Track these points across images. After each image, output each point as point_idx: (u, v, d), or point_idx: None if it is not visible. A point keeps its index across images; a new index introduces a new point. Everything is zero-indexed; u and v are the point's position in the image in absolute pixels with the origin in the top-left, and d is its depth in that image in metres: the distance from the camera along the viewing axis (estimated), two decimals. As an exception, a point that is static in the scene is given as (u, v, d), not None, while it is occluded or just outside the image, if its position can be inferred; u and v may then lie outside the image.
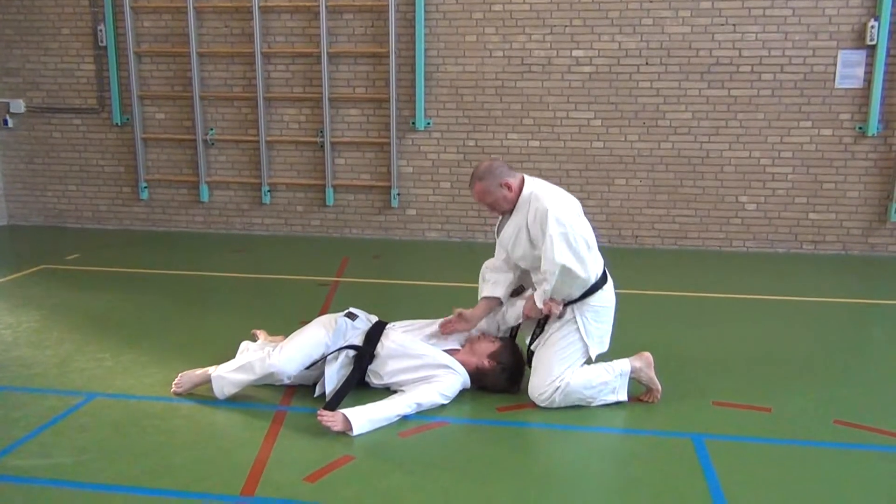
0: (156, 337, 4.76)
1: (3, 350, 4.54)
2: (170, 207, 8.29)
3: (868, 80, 6.97)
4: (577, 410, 3.73)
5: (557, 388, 3.69)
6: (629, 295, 5.98)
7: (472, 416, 3.68)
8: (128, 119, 8.12)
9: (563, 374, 3.71)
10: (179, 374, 3.93)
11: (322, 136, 7.78)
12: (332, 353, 3.78)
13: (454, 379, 3.73)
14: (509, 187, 3.74)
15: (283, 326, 4.61)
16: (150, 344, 4.62)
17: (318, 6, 7.50)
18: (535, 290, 3.78)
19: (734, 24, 7.07)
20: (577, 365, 3.78)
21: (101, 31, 7.97)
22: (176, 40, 7.89)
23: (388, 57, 7.50)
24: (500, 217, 3.95)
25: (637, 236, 7.59)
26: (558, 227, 3.55)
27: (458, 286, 6.10)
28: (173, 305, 5.52)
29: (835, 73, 7.03)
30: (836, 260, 7.14)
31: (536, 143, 7.57)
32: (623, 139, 7.43)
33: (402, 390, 3.71)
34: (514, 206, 3.77)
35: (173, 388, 3.88)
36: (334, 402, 3.58)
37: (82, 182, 8.41)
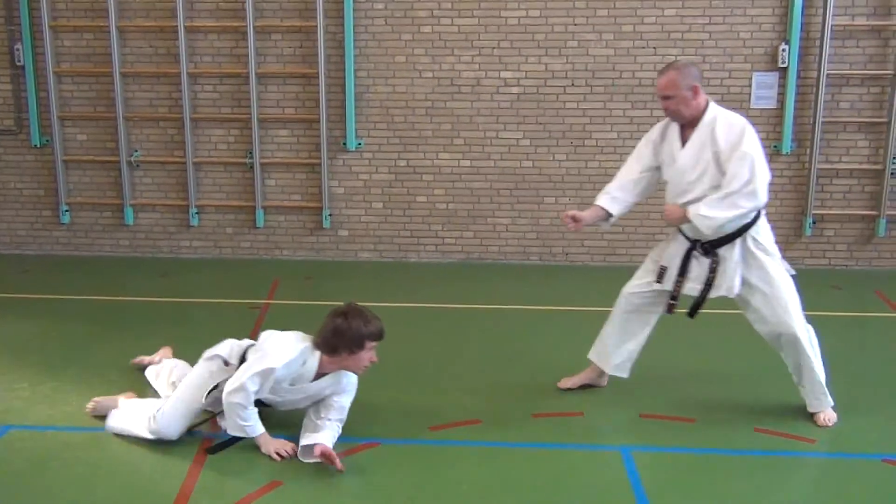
0: (78, 365, 4.60)
1: (-90, 384, 4.32)
2: (93, 231, 8.04)
3: (781, 101, 7.29)
4: (504, 429, 3.76)
5: (809, 337, 3.76)
6: (563, 311, 6.10)
7: (404, 436, 3.67)
8: (47, 140, 7.86)
9: (798, 305, 3.73)
10: (94, 401, 3.82)
11: (251, 157, 7.68)
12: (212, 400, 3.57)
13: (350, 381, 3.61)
14: (695, 94, 3.64)
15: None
16: (73, 372, 4.47)
17: (246, 27, 7.43)
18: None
19: (654, 48, 7.31)
20: (789, 280, 3.79)
21: (17, 49, 7.71)
22: (98, 59, 7.70)
23: (318, 77, 7.48)
24: (656, 137, 3.88)
25: (567, 253, 7.72)
26: (753, 148, 3.53)
27: (391, 306, 6.11)
28: (96, 332, 5.34)
29: (750, 94, 7.33)
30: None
31: (468, 163, 7.64)
32: (551, 158, 7.57)
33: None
34: (694, 123, 3.67)
35: (87, 408, 3.81)
36: (219, 448, 3.49)
37: (-1, 206, 8.10)
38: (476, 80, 7.50)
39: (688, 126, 3.76)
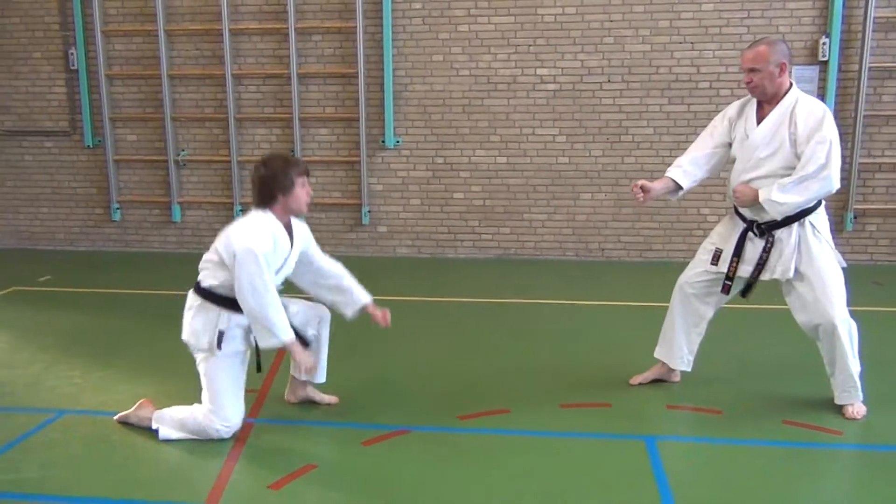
0: (126, 355, 4.83)
1: (-28, 370, 4.59)
2: (142, 228, 8.35)
3: (821, 95, 7.22)
4: (533, 417, 3.85)
5: (850, 325, 3.75)
6: (597, 306, 6.16)
7: (433, 424, 3.79)
8: (99, 141, 8.19)
9: (842, 295, 3.73)
10: (119, 418, 3.80)
11: (293, 155, 7.89)
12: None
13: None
14: (782, 71, 3.69)
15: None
16: (121, 362, 4.69)
17: (288, 28, 7.63)
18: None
19: (692, 43, 7.30)
20: (838, 272, 3.77)
21: (72, 54, 8.05)
22: (147, 63, 7.99)
23: (357, 77, 7.65)
24: (733, 113, 3.94)
25: (603, 249, 7.76)
26: (832, 134, 3.60)
27: (428, 300, 6.24)
28: (144, 324, 5.58)
29: (789, 88, 7.27)
30: (796, 269, 7.34)
31: (504, 160, 7.73)
32: (587, 154, 7.62)
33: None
34: (775, 101, 3.72)
35: (117, 417, 3.78)
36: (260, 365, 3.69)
37: (54, 204, 8.45)
38: (512, 77, 7.58)
39: (767, 104, 3.78)
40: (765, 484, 3.19)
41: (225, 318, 3.56)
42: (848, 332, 3.79)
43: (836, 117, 7.11)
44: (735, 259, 3.92)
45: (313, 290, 3.96)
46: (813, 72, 7.21)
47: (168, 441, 3.57)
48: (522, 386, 4.31)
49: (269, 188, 3.54)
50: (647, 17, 7.32)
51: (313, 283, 3.93)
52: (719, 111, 7.25)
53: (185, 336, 3.68)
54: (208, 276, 3.60)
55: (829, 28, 7.08)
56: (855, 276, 6.87)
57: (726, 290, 3.99)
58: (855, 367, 3.84)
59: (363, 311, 3.92)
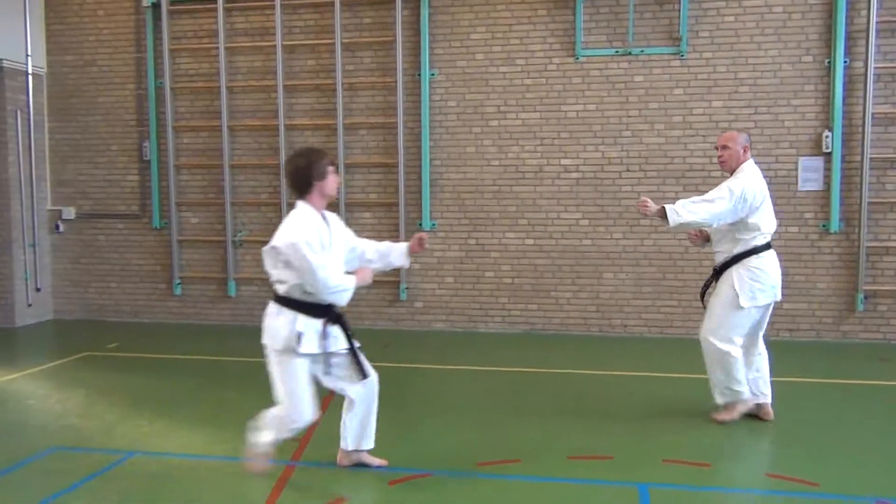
0: (185, 409, 5.47)
1: (54, 419, 5.27)
2: (200, 302, 9.12)
3: (827, 183, 7.74)
4: (542, 463, 4.33)
5: (716, 347, 5.03)
6: (616, 376, 6.62)
7: (453, 468, 4.30)
8: (166, 223, 9.08)
9: (727, 328, 5.01)
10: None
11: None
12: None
13: None
14: (745, 152, 5.15)
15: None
16: (180, 414, 5.32)
17: (336, 124, 8.52)
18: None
19: (703, 136, 7.94)
20: (732, 309, 5.00)
21: (145, 146, 9.05)
22: (211, 154, 8.93)
23: (398, 166, 8.44)
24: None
25: (626, 325, 8.24)
26: (740, 182, 4.96)
27: (460, 369, 6.79)
28: (202, 384, 6.24)
29: (797, 178, 7.82)
30: (810, 345, 7.71)
31: (531, 241, 8.35)
32: (609, 237, 8.20)
33: None
34: (733, 172, 5.11)
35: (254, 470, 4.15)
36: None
37: (122, 279, 9.30)
38: (539, 166, 8.29)
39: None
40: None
41: (301, 320, 3.97)
42: (716, 351, 5.03)
43: (841, 205, 7.74)
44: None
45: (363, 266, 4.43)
46: (818, 162, 7.76)
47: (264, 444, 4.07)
48: (538, 440, 4.80)
49: (307, 177, 4.00)
50: (662, 113, 8.01)
51: (364, 263, 4.47)
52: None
53: (264, 339, 4.08)
54: (280, 286, 4.01)
55: (832, 122, 7.66)
56: (863, 353, 7.28)
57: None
58: (719, 382, 5.10)
59: (409, 253, 4.53)
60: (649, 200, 5.00)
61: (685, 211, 4.91)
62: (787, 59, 7.78)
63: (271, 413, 4.13)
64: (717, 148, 5.25)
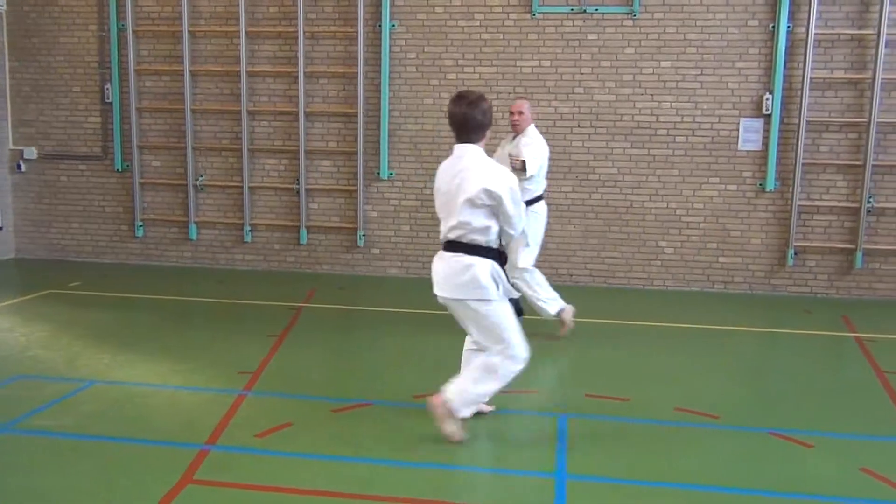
0: (146, 343, 5.77)
1: (19, 350, 5.54)
2: (162, 244, 9.33)
3: (766, 144, 8.13)
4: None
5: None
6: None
7: (392, 400, 4.68)
8: (128, 166, 9.21)
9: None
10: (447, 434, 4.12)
11: (298, 184, 8.88)
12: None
13: None
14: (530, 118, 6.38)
15: (253, 339, 5.66)
16: (142, 348, 5.64)
17: (297, 72, 8.67)
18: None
19: (652, 94, 8.25)
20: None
21: (107, 89, 9.12)
22: (173, 98, 9.04)
23: (357, 116, 8.65)
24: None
25: (572, 275, 8.64)
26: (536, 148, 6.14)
27: (412, 312, 7.15)
28: (162, 322, 6.53)
29: (738, 138, 8.19)
30: (743, 297, 8.20)
31: (485, 193, 8.66)
32: (559, 190, 8.54)
33: None
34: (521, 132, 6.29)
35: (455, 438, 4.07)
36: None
37: (84, 220, 9.45)
38: (494, 120, 8.53)
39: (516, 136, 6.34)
40: (655, 451, 4.05)
41: (498, 267, 3.97)
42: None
43: (778, 165, 8.16)
44: None
45: None
46: (759, 123, 8.13)
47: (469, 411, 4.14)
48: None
49: (489, 120, 4.03)
50: (613, 72, 8.30)
51: None
52: (676, 155, 8.22)
53: (466, 293, 3.96)
54: (474, 234, 3.91)
55: (773, 85, 8.02)
56: (791, 305, 7.79)
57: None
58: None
59: None
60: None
61: (531, 166, 5.98)
62: (733, 22, 8.08)
63: (490, 364, 4.04)
64: (512, 112, 6.31)
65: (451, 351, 5.78)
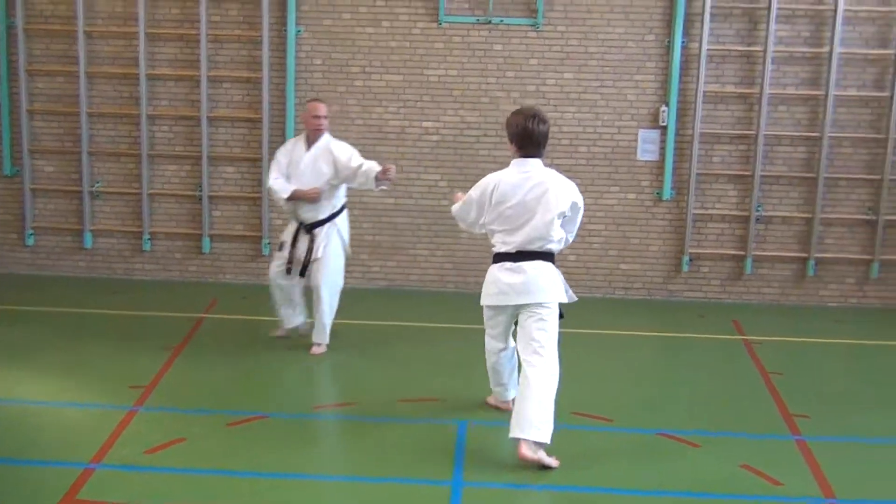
0: (33, 359, 5.52)
1: None
2: (54, 253, 8.91)
3: (662, 154, 8.44)
4: (373, 406, 4.71)
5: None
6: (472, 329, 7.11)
7: (290, 412, 4.62)
8: (17, 171, 8.77)
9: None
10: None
11: (200, 191, 8.65)
12: None
13: None
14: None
15: (147, 352, 5.50)
16: (29, 364, 5.38)
17: (200, 76, 8.46)
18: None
19: (555, 105, 8.43)
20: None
21: (-5, 90, 8.68)
22: (67, 100, 8.66)
23: (262, 122, 8.50)
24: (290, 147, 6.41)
25: (479, 283, 8.71)
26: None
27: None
28: (51, 335, 6.23)
29: (636, 148, 8.47)
30: (641, 303, 8.47)
31: (391, 200, 8.66)
32: (466, 198, 8.62)
33: None
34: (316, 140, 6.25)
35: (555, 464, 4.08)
36: None
37: (-31, 228, 8.94)
38: (401, 128, 8.57)
39: (314, 140, 6.20)
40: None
41: None
42: (331, 295, 6.10)
43: (673, 174, 8.44)
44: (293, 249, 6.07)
45: None
46: (655, 134, 8.43)
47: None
48: (375, 385, 5.18)
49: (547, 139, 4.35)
50: (518, 82, 8.44)
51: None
52: (578, 165, 8.41)
53: (549, 297, 4.30)
54: (552, 244, 4.32)
55: (668, 98, 8.34)
56: (685, 309, 8.09)
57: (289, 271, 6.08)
58: (328, 318, 6.06)
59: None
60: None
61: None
62: (632, 36, 8.35)
63: (540, 377, 4.14)
64: (318, 116, 6.22)
65: (352, 360, 5.78)
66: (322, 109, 6.24)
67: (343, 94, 8.56)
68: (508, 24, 8.40)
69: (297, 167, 6.12)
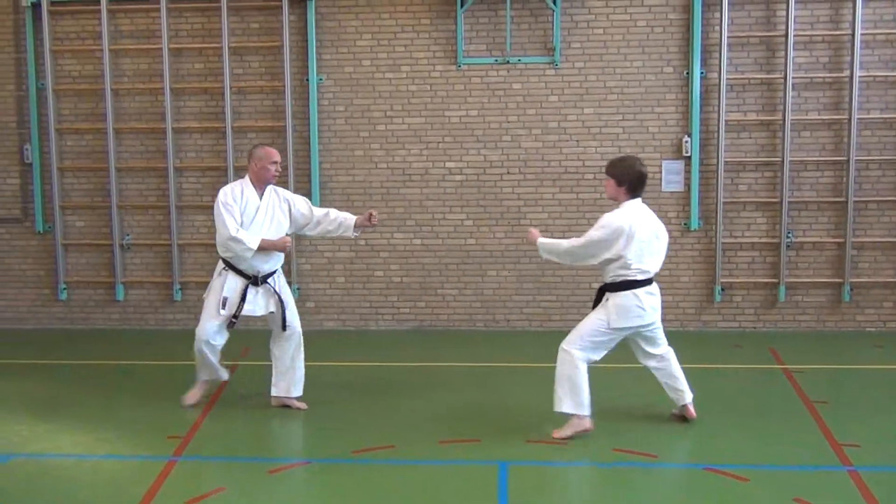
0: (68, 412, 5.54)
1: (-70, 426, 5.22)
2: (87, 306, 9.00)
3: (687, 185, 8.41)
4: (414, 448, 4.66)
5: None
6: (504, 367, 7.05)
7: (331, 457, 4.57)
8: (49, 227, 8.92)
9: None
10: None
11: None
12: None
13: None
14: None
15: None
16: (64, 417, 5.40)
17: (225, 127, 8.60)
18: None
19: (577, 140, 8.47)
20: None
21: (27, 149, 8.86)
22: (96, 157, 8.83)
23: (288, 169, 8.59)
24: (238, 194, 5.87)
25: (508, 320, 8.68)
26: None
27: (353, 365, 7.05)
28: (85, 388, 6.26)
29: (661, 179, 8.45)
30: (675, 335, 8.34)
31: (419, 241, 8.69)
32: (492, 236, 8.63)
33: None
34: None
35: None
36: None
37: (2, 286, 9.06)
38: (424, 169, 8.63)
39: (262, 187, 5.78)
40: (598, 495, 4.04)
41: None
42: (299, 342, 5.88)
43: (700, 204, 8.41)
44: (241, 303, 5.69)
45: None
46: (679, 165, 8.41)
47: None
48: (413, 426, 5.13)
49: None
50: (538, 119, 8.49)
51: None
52: (603, 198, 8.38)
53: (620, 323, 5.15)
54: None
55: (691, 128, 8.34)
56: (721, 341, 7.97)
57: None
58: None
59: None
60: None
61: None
62: (650, 69, 8.40)
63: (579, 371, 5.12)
64: (274, 163, 5.77)
65: (388, 402, 5.72)
66: (277, 156, 5.81)
67: (366, 138, 8.66)
68: (526, 63, 8.48)
69: (250, 217, 5.63)
